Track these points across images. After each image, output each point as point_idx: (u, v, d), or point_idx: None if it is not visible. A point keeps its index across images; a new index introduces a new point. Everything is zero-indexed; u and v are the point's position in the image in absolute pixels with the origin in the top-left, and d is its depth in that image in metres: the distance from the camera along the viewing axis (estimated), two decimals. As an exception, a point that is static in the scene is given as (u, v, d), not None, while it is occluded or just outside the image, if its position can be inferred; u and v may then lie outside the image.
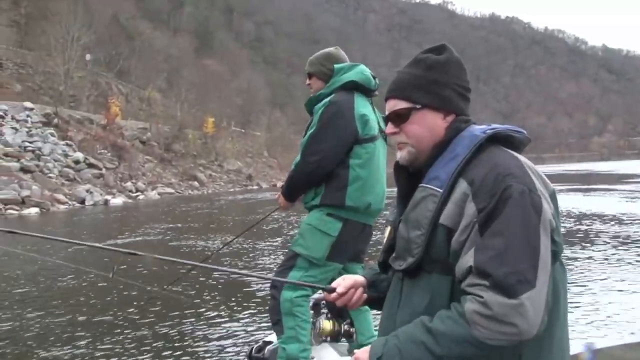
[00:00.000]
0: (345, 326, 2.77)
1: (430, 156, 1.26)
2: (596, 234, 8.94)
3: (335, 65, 2.76)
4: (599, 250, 7.38)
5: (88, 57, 36.53)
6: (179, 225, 12.73)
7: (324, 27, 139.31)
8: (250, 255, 8.16)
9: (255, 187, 37.32)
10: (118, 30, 46.67)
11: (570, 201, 15.57)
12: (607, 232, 9.10)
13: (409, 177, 1.33)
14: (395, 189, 1.38)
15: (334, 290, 1.44)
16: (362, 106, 2.67)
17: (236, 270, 7.16)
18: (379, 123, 2.74)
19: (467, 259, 1.09)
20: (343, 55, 2.89)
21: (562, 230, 1.28)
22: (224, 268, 6.10)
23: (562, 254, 1.17)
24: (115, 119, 33.17)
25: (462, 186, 1.15)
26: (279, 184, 39.27)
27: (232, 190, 34.24)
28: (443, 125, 1.27)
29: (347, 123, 2.60)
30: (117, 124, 33.30)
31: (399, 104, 1.29)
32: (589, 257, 6.84)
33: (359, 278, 1.46)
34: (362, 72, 2.74)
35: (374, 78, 2.79)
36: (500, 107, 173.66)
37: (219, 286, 5.99)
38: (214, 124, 45.82)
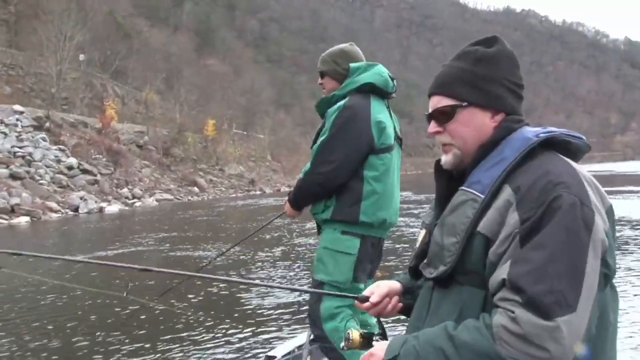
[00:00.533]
0: (377, 338, 2.56)
1: (475, 158, 1.22)
2: (627, 242, 8.63)
3: (351, 65, 2.67)
4: (637, 260, 7.07)
5: (82, 57, 36.66)
6: (175, 234, 12.58)
7: (331, 24, 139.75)
8: (250, 265, 8.01)
9: (258, 193, 37.25)
10: (114, 29, 46.82)
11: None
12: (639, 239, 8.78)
13: (450, 178, 1.30)
14: (427, 193, 1.20)
15: (367, 299, 1.42)
16: (378, 111, 2.59)
17: (257, 282, 6.93)
18: (395, 129, 2.65)
19: (502, 272, 1.05)
20: (358, 52, 2.77)
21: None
22: (243, 280, 5.97)
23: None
24: (110, 122, 33.16)
25: (507, 193, 1.11)
26: (283, 188, 39.67)
27: (233, 195, 34.19)
28: (491, 125, 1.23)
29: (363, 131, 2.52)
30: (113, 127, 33.28)
31: (443, 101, 1.26)
32: (628, 268, 6.53)
33: (394, 284, 1.44)
34: (380, 73, 2.64)
35: (392, 79, 2.67)
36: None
37: (219, 300, 5.88)
38: (215, 127, 45.84)
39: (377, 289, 1.43)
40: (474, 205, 1.15)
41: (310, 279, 2.65)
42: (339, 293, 2.18)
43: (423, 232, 1.37)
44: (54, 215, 19.19)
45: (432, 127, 1.29)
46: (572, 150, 1.19)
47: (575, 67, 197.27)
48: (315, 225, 2.71)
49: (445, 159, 1.28)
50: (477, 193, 1.16)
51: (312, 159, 2.56)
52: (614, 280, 1.12)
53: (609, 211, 1.11)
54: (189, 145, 40.65)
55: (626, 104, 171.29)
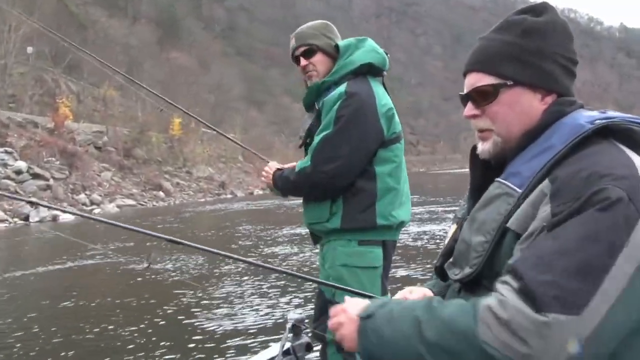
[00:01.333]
0: None
1: (519, 146, 1.14)
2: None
3: (340, 44, 2.42)
4: None
5: (30, 50, 36.00)
6: (131, 244, 12.45)
7: (305, 13, 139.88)
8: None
9: (229, 196, 37.10)
10: (66, 18, 46.09)
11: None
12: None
13: (487, 167, 1.23)
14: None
15: None
16: (382, 96, 2.38)
17: (286, 270, 6.90)
18: None
19: (511, 259, 0.99)
20: (335, 29, 2.58)
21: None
22: (269, 265, 5.89)
23: None
24: (64, 121, 32.67)
25: (544, 184, 1.03)
26: (257, 191, 39.58)
27: (202, 200, 34.01)
28: (541, 108, 1.15)
29: (372, 123, 2.33)
30: (67, 127, 32.79)
31: (484, 79, 1.17)
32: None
33: (427, 292, 1.38)
34: (375, 49, 2.45)
35: (386, 54, 2.49)
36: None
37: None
38: (181, 126, 45.50)
39: (410, 296, 1.36)
40: (508, 200, 1.08)
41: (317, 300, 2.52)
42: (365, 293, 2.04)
43: (454, 226, 1.32)
44: (1, 225, 18.82)
45: (469, 109, 1.21)
46: (637, 139, 1.09)
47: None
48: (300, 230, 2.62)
49: (483, 148, 1.21)
50: (513, 187, 1.09)
51: (313, 155, 2.34)
52: None
53: None
54: (153, 146, 40.28)
55: (623, 96, 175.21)
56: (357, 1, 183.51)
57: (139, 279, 8.07)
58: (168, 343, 4.99)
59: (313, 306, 5.63)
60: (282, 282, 7.07)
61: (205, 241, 12.59)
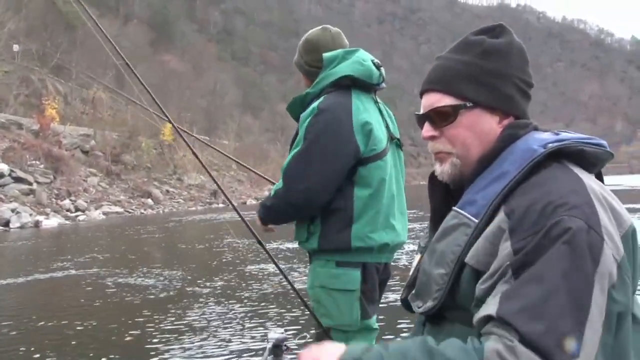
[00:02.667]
0: None
1: (474, 172, 1.15)
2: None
3: (325, 55, 2.41)
4: None
5: (16, 48, 36.09)
6: (109, 255, 12.40)
7: (304, 17, 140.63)
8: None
9: (220, 206, 37.01)
10: (55, 17, 46.22)
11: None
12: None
13: (447, 192, 1.24)
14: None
15: None
16: (362, 110, 2.34)
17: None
18: (389, 128, 2.44)
19: (488, 308, 0.98)
20: (333, 38, 2.56)
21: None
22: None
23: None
24: (50, 123, 32.63)
25: (499, 218, 1.04)
26: (250, 201, 39.48)
27: (193, 209, 33.95)
28: (498, 130, 1.17)
29: (344, 137, 2.29)
30: (53, 129, 32.75)
31: (443, 99, 1.18)
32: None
33: None
34: (360, 61, 2.40)
35: (378, 67, 2.43)
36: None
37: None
38: (172, 131, 45.48)
39: None
40: (466, 231, 1.09)
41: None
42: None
43: (418, 256, 1.31)
44: (-21, 231, 18.74)
45: (427, 130, 1.21)
46: (590, 159, 1.12)
47: (577, 69, 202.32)
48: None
49: (441, 169, 1.21)
50: (470, 217, 1.10)
51: (284, 175, 2.34)
52: None
53: (628, 235, 1.03)
54: (143, 152, 40.25)
55: (633, 110, 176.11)
56: (359, 6, 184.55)
57: (114, 296, 8.03)
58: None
59: (295, 325, 5.64)
60: (264, 302, 7.06)
61: (184, 255, 12.58)
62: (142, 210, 30.82)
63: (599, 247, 0.96)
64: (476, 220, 1.08)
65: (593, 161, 1.12)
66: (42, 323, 6.22)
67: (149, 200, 33.45)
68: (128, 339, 5.55)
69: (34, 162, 27.29)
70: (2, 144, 26.81)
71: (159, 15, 74.14)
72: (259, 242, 2.80)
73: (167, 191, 37.79)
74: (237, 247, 12.44)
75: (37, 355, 5.04)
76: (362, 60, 2.40)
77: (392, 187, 2.41)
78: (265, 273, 8.98)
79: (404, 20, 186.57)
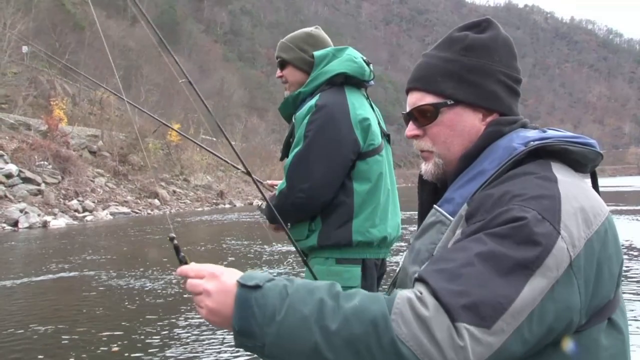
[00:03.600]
0: None
1: (457, 170, 1.15)
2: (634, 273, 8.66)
3: (316, 54, 2.44)
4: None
5: (25, 49, 36.19)
6: (111, 257, 12.44)
7: (311, 18, 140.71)
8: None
9: (227, 206, 37.08)
10: (63, 18, 46.47)
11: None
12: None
13: (435, 189, 1.24)
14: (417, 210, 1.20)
15: None
16: (358, 106, 2.38)
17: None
18: (380, 124, 2.48)
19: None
20: (326, 38, 2.59)
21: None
22: None
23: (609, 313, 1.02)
24: (58, 124, 32.72)
25: (462, 207, 1.04)
26: (256, 202, 39.42)
27: (199, 209, 34.01)
28: (482, 128, 1.16)
29: (345, 134, 2.32)
30: (61, 130, 32.83)
31: (425, 98, 1.18)
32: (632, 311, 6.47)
33: None
34: (352, 59, 2.43)
35: (368, 64, 2.48)
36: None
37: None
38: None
39: None
40: (441, 229, 1.09)
41: None
42: None
43: (405, 253, 1.30)
44: (-12, 231, 18.84)
45: (411, 129, 1.21)
46: (576, 158, 1.09)
47: (584, 70, 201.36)
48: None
49: (425, 169, 1.22)
50: (446, 214, 1.09)
51: (287, 174, 2.35)
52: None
53: (592, 239, 0.98)
54: (150, 152, 40.33)
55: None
56: (365, 7, 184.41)
57: (112, 298, 8.06)
58: None
59: None
60: None
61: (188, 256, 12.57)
62: (149, 211, 30.87)
63: (549, 238, 0.92)
64: (452, 219, 1.07)
65: (580, 160, 1.10)
66: (33, 326, 6.17)
67: (156, 201, 33.47)
68: (124, 339, 5.56)
69: (42, 162, 27.37)
70: (11, 145, 26.89)
71: (165, 16, 74.30)
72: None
73: (174, 192, 37.83)
74: (239, 249, 12.44)
75: None
76: (354, 58, 2.44)
77: (388, 181, 2.46)
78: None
79: (410, 22, 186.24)
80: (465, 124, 1.16)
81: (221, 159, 3.43)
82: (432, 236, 1.10)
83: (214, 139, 56.14)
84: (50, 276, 9.41)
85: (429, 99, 1.17)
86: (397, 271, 1.26)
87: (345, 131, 2.32)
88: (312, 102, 2.36)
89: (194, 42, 76.02)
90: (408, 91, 1.23)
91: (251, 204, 37.91)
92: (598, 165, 1.14)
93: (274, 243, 11.84)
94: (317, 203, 2.31)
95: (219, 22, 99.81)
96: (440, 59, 1.18)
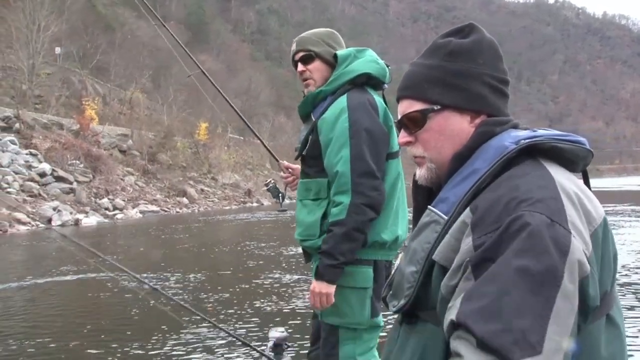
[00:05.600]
0: None
1: (449, 171, 1.17)
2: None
3: (339, 53, 2.41)
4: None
5: (58, 50, 36.93)
6: (136, 256, 12.56)
7: (338, 17, 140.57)
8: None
9: (254, 205, 37.25)
10: (95, 19, 47.25)
11: (631, 228, 15.06)
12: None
13: (429, 193, 1.25)
14: None
15: None
16: (382, 109, 2.37)
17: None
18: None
19: (451, 312, 0.96)
20: (340, 38, 2.58)
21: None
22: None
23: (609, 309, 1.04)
24: (90, 124, 33.32)
25: (465, 213, 1.05)
26: (269, 181, 39.31)
27: (227, 208, 34.24)
28: (471, 130, 1.18)
29: (383, 132, 2.33)
30: (93, 129, 33.43)
31: (413, 105, 1.20)
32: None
33: None
34: (375, 60, 2.43)
35: (387, 67, 2.48)
36: (546, 110, 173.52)
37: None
38: (207, 131, 46.00)
39: None
40: (436, 228, 1.10)
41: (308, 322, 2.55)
42: None
43: (401, 255, 1.31)
44: (22, 228, 19.22)
45: (402, 136, 1.24)
46: (569, 157, 1.11)
47: (617, 67, 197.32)
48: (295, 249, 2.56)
49: (419, 174, 1.24)
50: (440, 214, 1.11)
51: (352, 183, 2.23)
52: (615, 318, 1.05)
53: (597, 234, 1.01)
54: (178, 151, 40.76)
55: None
56: (393, 5, 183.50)
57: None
58: None
59: (297, 323, 5.60)
60: (268, 299, 7.07)
61: (205, 258, 12.65)
62: (178, 209, 31.20)
63: (566, 239, 0.93)
64: (446, 218, 1.09)
65: (571, 158, 1.11)
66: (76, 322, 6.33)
67: (184, 199, 33.82)
68: (131, 336, 5.60)
69: (74, 161, 27.84)
70: (44, 144, 27.41)
71: (194, 16, 75.02)
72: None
73: (202, 190, 38.15)
74: (259, 251, 12.43)
75: None
76: (377, 60, 2.44)
77: (404, 183, 2.46)
78: (277, 277, 8.98)
79: (438, 19, 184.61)
80: (454, 127, 1.18)
81: (263, 143, 3.44)
82: (427, 236, 1.12)
83: (241, 138, 56.49)
84: (81, 276, 9.58)
85: (417, 106, 1.20)
86: (392, 273, 1.28)
87: (382, 130, 2.34)
88: (340, 102, 2.33)
89: (222, 42, 76.59)
90: (398, 100, 1.26)
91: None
92: (589, 164, 1.15)
93: (291, 247, 11.83)
94: (381, 204, 2.29)
95: (247, 21, 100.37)
96: (425, 67, 1.21)
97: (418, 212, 1.26)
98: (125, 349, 5.16)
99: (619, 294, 1.09)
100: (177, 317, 3.89)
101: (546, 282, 0.90)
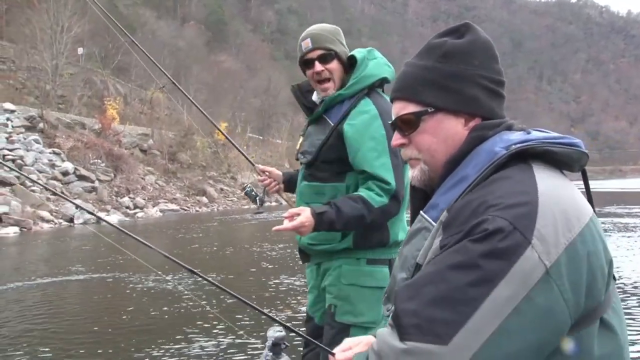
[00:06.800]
0: None
1: (441, 176, 1.16)
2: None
3: (358, 55, 2.37)
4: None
5: (80, 51, 37.33)
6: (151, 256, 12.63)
7: (358, 17, 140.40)
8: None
9: (274, 204, 37.32)
10: (116, 20, 47.50)
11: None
12: None
13: (425, 197, 1.23)
14: None
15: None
16: None
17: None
18: None
19: None
20: None
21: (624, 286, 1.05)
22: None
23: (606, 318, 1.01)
24: (111, 123, 33.67)
25: (443, 214, 1.05)
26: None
27: (246, 207, 34.30)
28: (465, 133, 1.16)
29: None
30: (114, 129, 33.80)
31: (407, 107, 1.19)
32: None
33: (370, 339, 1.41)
34: (386, 63, 2.42)
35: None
36: (568, 109, 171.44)
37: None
38: (227, 130, 46.21)
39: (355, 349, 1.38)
40: (425, 235, 1.10)
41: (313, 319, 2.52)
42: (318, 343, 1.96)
43: (396, 260, 1.33)
44: (46, 226, 19.51)
45: (396, 138, 1.23)
46: (564, 160, 1.08)
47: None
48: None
49: (413, 175, 1.23)
50: (430, 220, 1.10)
51: (391, 190, 2.25)
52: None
53: (575, 243, 0.96)
54: (198, 151, 41.02)
55: None
56: (412, 4, 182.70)
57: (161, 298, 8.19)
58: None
59: (295, 321, 5.57)
60: (266, 301, 7.06)
61: (218, 258, 12.68)
62: (197, 208, 31.41)
63: (518, 248, 0.92)
64: (435, 224, 1.08)
65: (565, 161, 1.08)
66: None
67: (204, 199, 34.05)
68: (130, 337, 5.63)
69: (96, 160, 28.17)
70: (67, 143, 27.76)
71: (214, 16, 75.45)
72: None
73: (221, 189, 38.35)
74: (269, 253, 12.42)
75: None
76: (387, 63, 2.43)
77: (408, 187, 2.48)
78: (279, 275, 8.98)
79: (458, 19, 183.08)
80: (447, 130, 1.17)
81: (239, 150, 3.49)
82: (417, 243, 1.12)
83: (260, 137, 56.74)
84: (102, 274, 9.68)
85: (410, 108, 1.19)
86: (389, 281, 1.27)
87: None
88: (368, 108, 2.32)
89: (242, 42, 76.95)
90: (391, 100, 1.25)
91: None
92: (585, 165, 1.13)
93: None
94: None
95: (266, 21, 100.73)
96: (419, 68, 1.19)
97: (414, 216, 1.25)
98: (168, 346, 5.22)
99: (635, 299, 1.07)
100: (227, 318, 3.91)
101: (479, 283, 0.92)
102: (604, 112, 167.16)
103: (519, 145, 1.06)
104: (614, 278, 1.09)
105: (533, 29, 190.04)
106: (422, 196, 1.25)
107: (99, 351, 5.12)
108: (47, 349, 5.21)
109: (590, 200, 1.10)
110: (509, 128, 1.15)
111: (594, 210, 1.07)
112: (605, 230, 14.21)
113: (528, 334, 0.92)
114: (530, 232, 0.93)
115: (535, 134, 1.10)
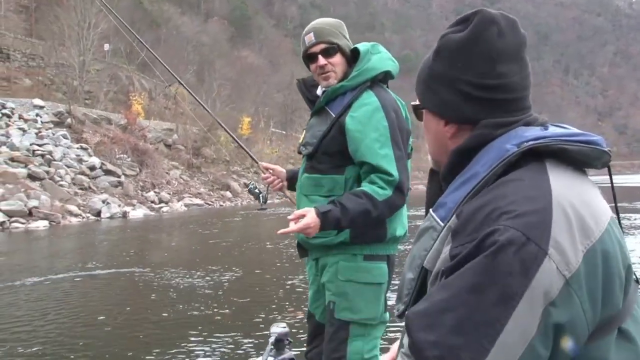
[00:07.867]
0: None
1: (445, 172, 1.14)
2: None
3: (361, 48, 2.39)
4: None
5: (107, 47, 37.71)
6: (174, 250, 12.74)
7: (381, 10, 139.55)
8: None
9: (276, 201, 37.38)
10: (141, 16, 48.19)
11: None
12: None
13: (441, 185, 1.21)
14: None
15: None
16: (404, 109, 2.42)
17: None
18: None
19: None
20: None
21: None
22: None
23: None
24: (136, 118, 34.00)
25: (452, 219, 1.01)
26: (250, 183, 39.29)
27: (270, 201, 34.34)
28: (446, 135, 1.14)
29: (409, 136, 2.40)
30: (139, 124, 34.11)
31: (416, 99, 1.22)
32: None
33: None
34: (390, 57, 2.43)
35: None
36: (595, 103, 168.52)
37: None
38: (251, 125, 46.40)
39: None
40: (432, 235, 1.06)
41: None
42: None
43: (407, 259, 1.34)
44: (74, 220, 19.80)
45: None
46: (577, 157, 1.02)
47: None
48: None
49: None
50: (438, 220, 1.06)
51: (394, 181, 2.26)
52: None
53: (595, 249, 0.92)
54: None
55: None
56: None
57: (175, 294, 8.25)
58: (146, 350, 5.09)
59: (298, 320, 5.56)
60: (266, 297, 7.05)
61: (232, 254, 12.74)
62: (221, 203, 31.61)
63: (534, 261, 0.88)
64: (442, 224, 1.04)
65: (582, 159, 1.02)
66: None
67: (228, 193, 34.23)
68: (137, 333, 5.65)
69: (122, 155, 28.50)
70: (94, 139, 28.11)
71: (237, 12, 75.71)
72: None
73: (245, 184, 38.45)
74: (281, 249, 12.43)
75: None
76: (390, 57, 2.44)
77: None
78: (285, 272, 8.97)
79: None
80: (434, 129, 1.17)
81: (243, 148, 3.53)
82: (425, 242, 1.08)
83: (283, 132, 56.83)
84: (128, 269, 9.81)
85: (416, 100, 1.22)
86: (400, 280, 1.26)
87: (409, 132, 2.41)
88: (370, 100, 2.33)
89: (265, 37, 77.08)
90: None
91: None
92: (609, 163, 1.06)
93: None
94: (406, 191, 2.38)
95: (289, 16, 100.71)
96: (425, 61, 1.18)
97: (430, 202, 1.20)
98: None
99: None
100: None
101: (499, 304, 0.87)
102: (632, 105, 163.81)
103: (531, 142, 1.00)
104: (637, 281, 1.04)
105: (559, 21, 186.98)
106: (438, 182, 1.22)
107: (114, 346, 5.21)
108: (79, 342, 5.32)
109: (613, 196, 1.07)
110: (529, 124, 1.08)
111: (617, 207, 1.04)
112: (635, 228, 13.99)
113: (550, 345, 0.90)
114: (545, 241, 0.89)
115: (552, 130, 1.04)
